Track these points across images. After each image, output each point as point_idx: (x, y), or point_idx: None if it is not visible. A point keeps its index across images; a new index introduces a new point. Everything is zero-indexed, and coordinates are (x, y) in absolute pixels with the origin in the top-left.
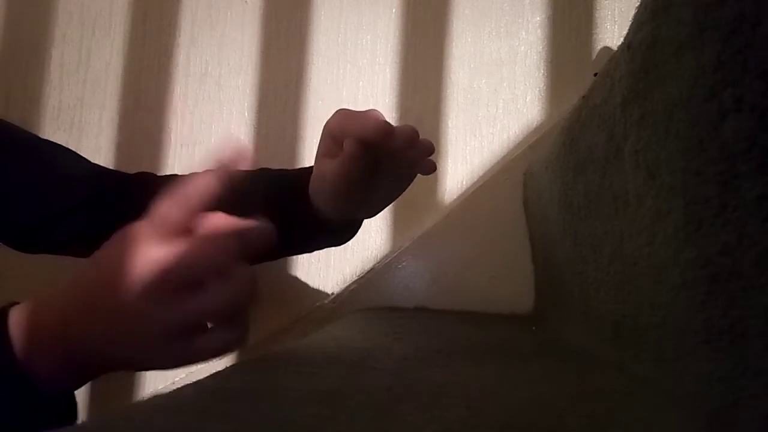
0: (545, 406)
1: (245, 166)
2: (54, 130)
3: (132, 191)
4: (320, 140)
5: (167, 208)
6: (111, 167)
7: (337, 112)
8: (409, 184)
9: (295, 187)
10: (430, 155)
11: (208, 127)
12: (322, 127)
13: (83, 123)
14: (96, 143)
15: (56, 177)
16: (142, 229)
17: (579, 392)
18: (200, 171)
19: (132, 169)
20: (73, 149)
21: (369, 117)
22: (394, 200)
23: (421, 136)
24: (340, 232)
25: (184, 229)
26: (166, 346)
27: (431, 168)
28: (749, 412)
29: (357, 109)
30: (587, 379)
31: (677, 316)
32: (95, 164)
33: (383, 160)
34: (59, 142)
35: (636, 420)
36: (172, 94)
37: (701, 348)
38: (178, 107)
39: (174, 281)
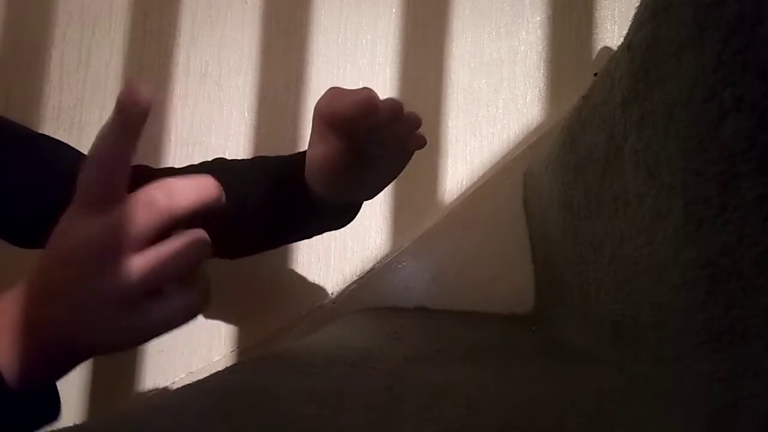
0: (545, 406)
1: (145, 109)
2: (54, 130)
3: (130, 185)
4: (312, 121)
5: (85, 180)
6: None
7: (327, 91)
8: (404, 164)
9: (290, 170)
10: (416, 128)
11: (208, 127)
12: None
13: (83, 123)
14: None
15: (56, 172)
16: (73, 208)
17: (579, 392)
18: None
19: None
20: None
21: (351, 94)
22: (391, 180)
23: (419, 129)
24: (339, 214)
25: (115, 195)
26: (123, 319)
27: (421, 142)
28: (749, 412)
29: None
30: (587, 379)
31: (677, 316)
32: None
33: (370, 137)
34: None
35: (636, 420)
36: (172, 94)
37: (701, 348)
38: (178, 107)
39: (111, 251)
